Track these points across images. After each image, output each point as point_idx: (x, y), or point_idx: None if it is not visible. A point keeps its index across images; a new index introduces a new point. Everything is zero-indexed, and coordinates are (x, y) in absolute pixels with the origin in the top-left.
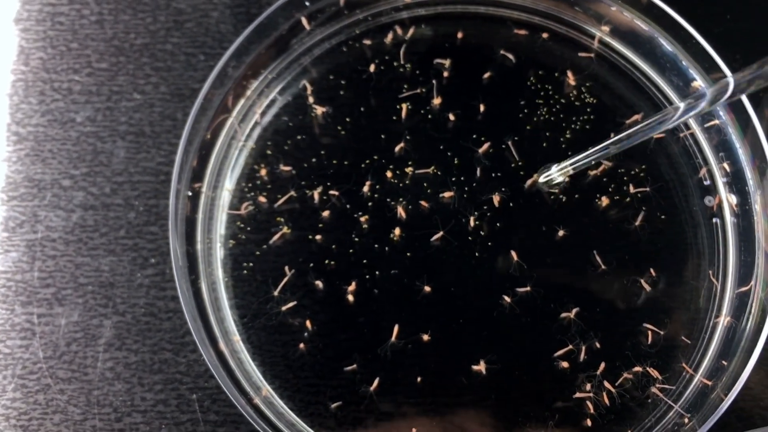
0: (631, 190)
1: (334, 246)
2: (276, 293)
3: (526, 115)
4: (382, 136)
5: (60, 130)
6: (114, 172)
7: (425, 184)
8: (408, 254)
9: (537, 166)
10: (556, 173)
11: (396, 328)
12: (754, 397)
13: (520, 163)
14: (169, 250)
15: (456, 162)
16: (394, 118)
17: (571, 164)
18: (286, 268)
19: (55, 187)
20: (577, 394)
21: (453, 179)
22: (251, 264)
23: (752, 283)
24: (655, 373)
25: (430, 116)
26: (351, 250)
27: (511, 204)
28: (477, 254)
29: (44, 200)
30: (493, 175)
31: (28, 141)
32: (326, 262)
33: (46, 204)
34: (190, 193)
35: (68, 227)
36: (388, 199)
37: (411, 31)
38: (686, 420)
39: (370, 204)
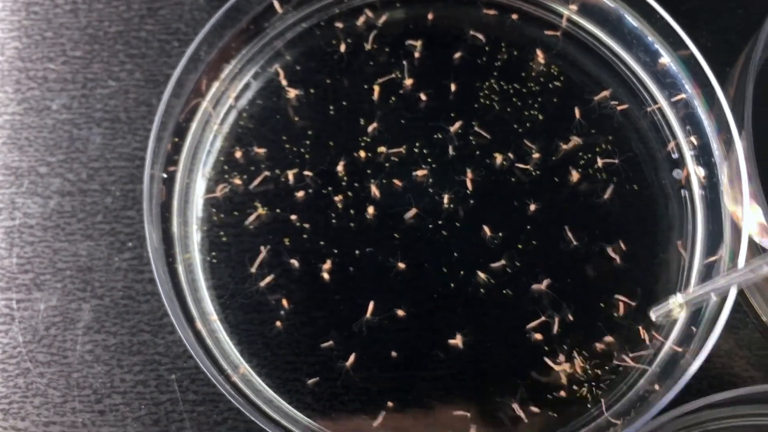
0: (599, 162)
1: (309, 225)
2: (253, 270)
3: (497, 94)
4: (355, 117)
5: (36, 118)
6: (90, 158)
7: (398, 164)
8: (382, 232)
9: (508, 143)
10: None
11: (371, 305)
12: (724, 365)
13: (491, 140)
14: (146, 233)
15: (428, 141)
16: (367, 99)
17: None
18: (262, 247)
19: (32, 174)
20: (552, 366)
21: (426, 158)
22: (227, 245)
23: (720, 253)
24: (626, 343)
25: (402, 97)
26: (326, 229)
27: (483, 180)
28: (451, 230)
29: (21, 187)
30: (466, 152)
31: (4, 129)
32: (302, 241)
33: (23, 191)
34: (165, 176)
35: (46, 213)
36: (362, 179)
37: (382, 14)
38: (657, 386)
39: (344, 184)
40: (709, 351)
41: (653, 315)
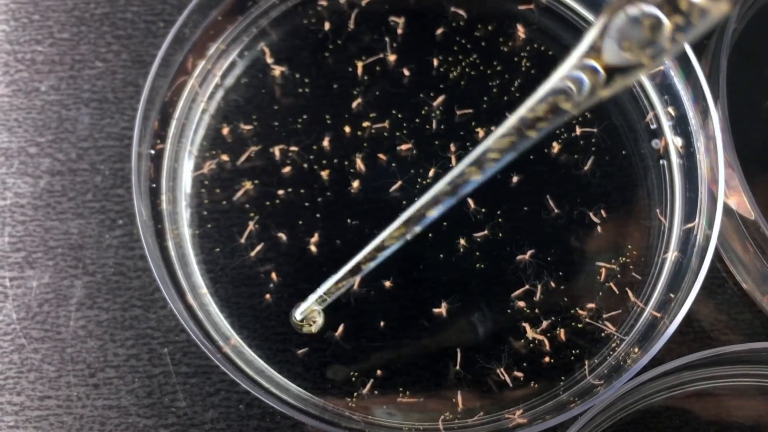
0: (578, 132)
1: (296, 200)
2: (242, 240)
3: (479, 68)
4: (340, 94)
5: (25, 100)
6: (79, 138)
7: (383, 138)
8: (368, 205)
9: (490, 117)
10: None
11: (358, 276)
12: (704, 329)
13: (473, 114)
14: (135, 211)
15: (412, 115)
16: (351, 75)
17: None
18: (251, 223)
19: (22, 154)
20: (535, 333)
21: (410, 132)
22: (216, 220)
23: (697, 219)
24: (608, 309)
25: (386, 73)
26: (312, 204)
27: (467, 153)
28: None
29: (12, 168)
30: (449, 126)
31: None
32: (289, 215)
33: (13, 171)
34: (152, 151)
35: (36, 193)
36: (348, 154)
37: None
38: (636, 349)
39: (329, 159)
40: (685, 313)
41: (297, 315)
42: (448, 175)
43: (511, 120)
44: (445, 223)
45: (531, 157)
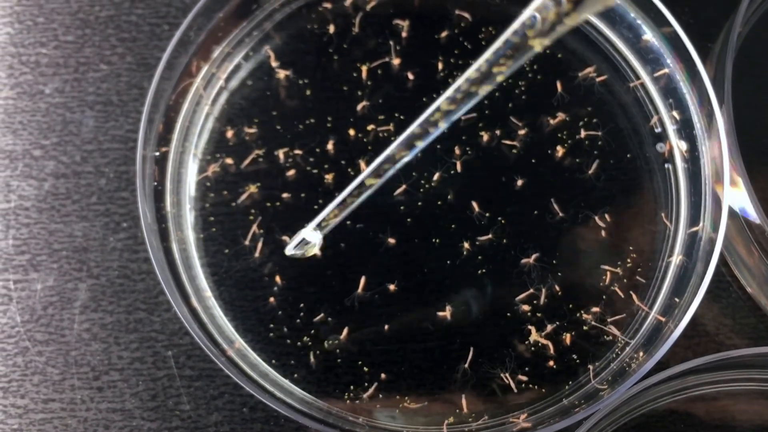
0: (583, 135)
1: (300, 203)
2: (246, 242)
3: None
4: (345, 97)
5: (29, 102)
6: (84, 140)
7: (387, 141)
8: (372, 208)
9: (494, 121)
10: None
11: (363, 280)
12: (709, 333)
13: (478, 117)
14: (140, 213)
15: (416, 119)
16: (356, 78)
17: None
18: (255, 225)
19: (27, 157)
20: (539, 337)
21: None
22: (220, 223)
23: (701, 223)
24: (612, 313)
25: (390, 76)
26: (316, 207)
27: (471, 157)
28: (439, 206)
29: (16, 170)
30: (453, 129)
31: None
32: (293, 219)
33: (18, 174)
34: (157, 154)
35: (41, 195)
36: (352, 157)
37: None
38: (641, 354)
39: (334, 162)
40: (690, 317)
41: (290, 251)
42: (423, 114)
43: (485, 55)
44: (449, 227)
45: (535, 160)
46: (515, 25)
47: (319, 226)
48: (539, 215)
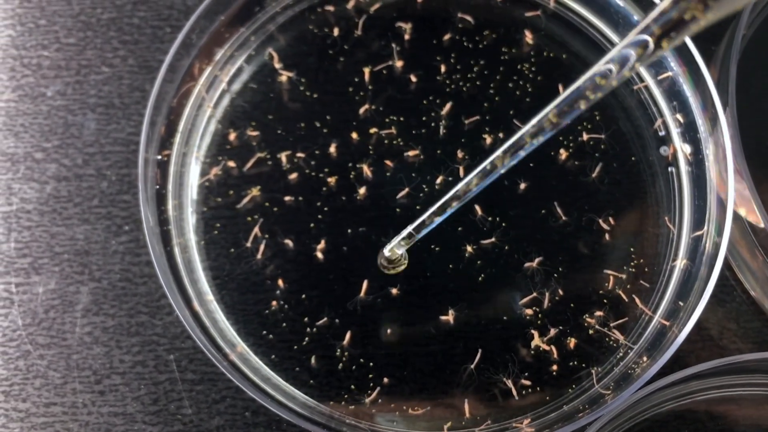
0: (585, 137)
1: (302, 206)
2: (248, 244)
3: (486, 75)
4: (347, 100)
5: (31, 105)
6: (85, 143)
7: (390, 145)
8: (375, 212)
9: (497, 124)
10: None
11: (365, 284)
12: (713, 337)
13: (481, 120)
14: (142, 217)
15: (419, 122)
16: (359, 81)
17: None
18: (256, 228)
19: (28, 159)
20: (542, 342)
21: (417, 138)
22: (222, 227)
23: (705, 227)
24: (616, 317)
25: (393, 79)
26: (319, 210)
27: (474, 160)
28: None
29: (18, 173)
30: (456, 133)
31: None
32: (295, 222)
33: (19, 177)
34: (159, 157)
35: (42, 198)
36: (354, 160)
37: None
38: (645, 358)
39: (336, 165)
40: (695, 322)
41: (386, 251)
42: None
43: (557, 100)
44: (451, 230)
45: (538, 163)
46: (600, 66)
47: (409, 237)
48: (542, 219)
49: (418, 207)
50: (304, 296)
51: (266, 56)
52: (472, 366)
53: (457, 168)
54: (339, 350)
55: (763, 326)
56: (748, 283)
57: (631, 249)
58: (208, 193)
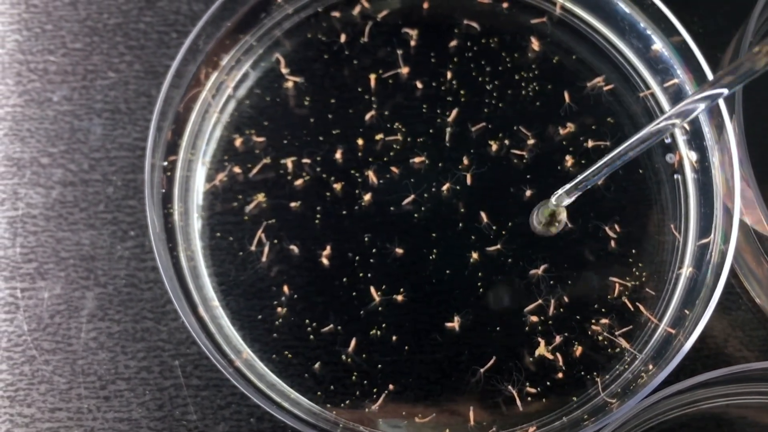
0: (590, 145)
1: (308, 212)
2: (253, 248)
3: (492, 81)
4: (353, 106)
5: (37, 110)
6: (91, 148)
7: (396, 151)
8: (380, 218)
9: (503, 130)
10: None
11: (373, 291)
12: (718, 345)
13: (487, 127)
14: (148, 222)
15: (425, 128)
16: (365, 87)
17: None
18: (260, 231)
19: (34, 165)
20: (547, 351)
21: (423, 145)
22: (228, 232)
23: (712, 235)
24: (621, 325)
25: (399, 85)
26: (325, 216)
27: (479, 167)
28: (447, 216)
29: (24, 178)
30: (462, 139)
31: (6, 121)
32: (301, 228)
33: (25, 182)
34: (165, 162)
35: (48, 203)
36: (360, 166)
37: (378, 3)
38: (650, 366)
39: (342, 171)
40: (701, 331)
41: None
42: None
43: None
44: (457, 237)
45: (543, 170)
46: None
47: (567, 193)
48: None
49: (428, 214)
50: (309, 302)
51: (272, 62)
52: (482, 370)
53: (464, 175)
54: (344, 356)
55: None
56: (754, 291)
57: (637, 256)
58: (214, 199)
